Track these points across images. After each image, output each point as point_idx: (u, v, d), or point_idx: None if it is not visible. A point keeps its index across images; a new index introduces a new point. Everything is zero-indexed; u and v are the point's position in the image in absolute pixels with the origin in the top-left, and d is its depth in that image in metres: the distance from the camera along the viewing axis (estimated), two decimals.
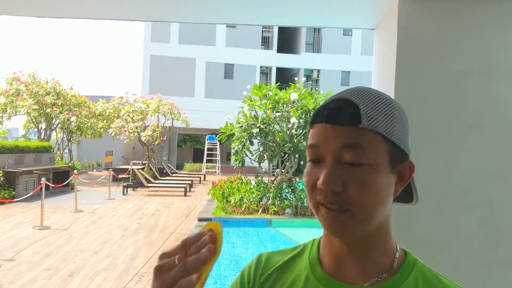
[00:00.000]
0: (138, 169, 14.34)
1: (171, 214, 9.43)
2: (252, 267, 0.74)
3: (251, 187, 10.21)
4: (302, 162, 10.39)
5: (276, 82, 13.40)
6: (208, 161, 23.29)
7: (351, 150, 0.59)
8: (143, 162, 19.32)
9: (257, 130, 9.63)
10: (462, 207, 1.89)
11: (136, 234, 7.14)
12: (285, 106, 9.77)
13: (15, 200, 9.60)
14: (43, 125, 16.34)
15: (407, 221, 1.91)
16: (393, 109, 0.62)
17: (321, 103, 0.65)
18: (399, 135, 0.62)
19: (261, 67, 25.03)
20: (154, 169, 16.48)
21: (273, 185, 10.00)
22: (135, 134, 16.82)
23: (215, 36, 24.31)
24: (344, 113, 0.60)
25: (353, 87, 0.65)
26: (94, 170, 21.41)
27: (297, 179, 10.57)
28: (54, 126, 16.66)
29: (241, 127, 9.85)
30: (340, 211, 0.59)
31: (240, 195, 9.60)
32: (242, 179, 11.00)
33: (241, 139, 9.70)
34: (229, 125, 10.14)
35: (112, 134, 16.77)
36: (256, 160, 10.20)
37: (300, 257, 0.72)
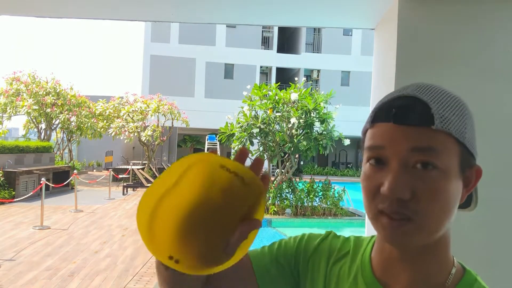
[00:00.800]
0: (138, 169, 14.34)
1: None
2: (320, 240, 0.70)
3: None
4: (302, 162, 10.39)
5: (276, 82, 13.40)
6: None
7: (421, 154, 0.52)
8: (143, 162, 19.32)
9: (257, 130, 9.63)
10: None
11: (136, 234, 7.14)
12: (285, 106, 9.77)
13: (15, 200, 9.60)
14: (43, 125, 16.34)
15: None
16: (464, 109, 0.57)
17: (382, 99, 0.58)
18: (470, 138, 0.56)
19: (261, 67, 25.03)
20: (154, 169, 16.48)
21: (273, 185, 10.00)
22: (135, 134, 16.81)
23: (215, 36, 24.31)
24: (415, 112, 0.53)
25: (417, 82, 0.59)
26: (94, 170, 21.42)
27: (297, 179, 10.57)
28: (54, 126, 16.66)
29: (241, 127, 9.85)
30: (404, 221, 0.52)
31: None
32: None
33: (241, 139, 9.70)
34: (229, 125, 10.14)
35: (112, 134, 16.77)
36: None
37: (357, 252, 0.67)
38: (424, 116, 0.53)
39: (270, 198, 9.69)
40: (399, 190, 0.51)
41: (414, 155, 0.52)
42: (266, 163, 10.79)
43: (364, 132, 0.60)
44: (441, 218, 0.54)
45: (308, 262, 0.68)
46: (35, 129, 16.38)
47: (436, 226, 0.54)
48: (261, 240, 7.97)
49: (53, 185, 10.94)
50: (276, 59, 24.98)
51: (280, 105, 9.78)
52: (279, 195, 9.76)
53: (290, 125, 9.59)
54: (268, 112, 9.70)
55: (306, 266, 0.67)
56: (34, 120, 15.80)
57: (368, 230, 2.37)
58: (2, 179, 10.41)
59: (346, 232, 8.84)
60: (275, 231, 8.56)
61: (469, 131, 0.56)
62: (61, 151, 18.03)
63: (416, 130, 0.53)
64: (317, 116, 9.73)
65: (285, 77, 26.19)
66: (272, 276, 0.66)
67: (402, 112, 0.53)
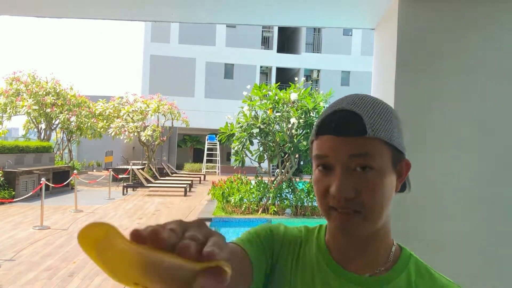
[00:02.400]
0: (138, 169, 14.33)
1: (171, 214, 9.42)
2: (284, 233, 0.78)
3: (251, 187, 10.21)
4: (302, 162, 10.39)
5: (276, 82, 13.40)
6: (208, 161, 23.28)
7: (359, 158, 0.63)
8: (143, 162, 19.31)
9: (257, 130, 9.63)
10: (462, 207, 1.89)
11: None
12: (285, 106, 9.77)
13: (15, 200, 9.59)
14: (43, 125, 16.34)
15: (407, 221, 1.91)
16: (390, 115, 0.67)
17: (323, 114, 0.69)
18: (397, 138, 0.67)
19: (261, 67, 25.03)
20: (154, 169, 16.47)
21: (273, 185, 10.00)
22: (135, 134, 16.81)
23: (215, 36, 24.31)
24: (350, 124, 0.64)
25: (350, 95, 0.69)
26: (94, 170, 21.41)
27: (297, 179, 10.57)
28: (54, 126, 16.66)
29: (241, 127, 9.85)
30: (352, 214, 0.64)
31: (240, 195, 9.60)
32: (242, 179, 11.00)
33: (241, 139, 9.70)
34: (229, 125, 10.14)
35: (112, 134, 16.76)
36: (256, 160, 10.21)
37: (310, 240, 0.77)
38: (359, 127, 0.63)
39: (270, 198, 9.70)
40: (344, 190, 0.62)
41: (354, 160, 0.63)
42: (266, 163, 10.79)
43: (311, 142, 0.70)
44: (382, 207, 0.65)
45: (280, 249, 0.76)
46: (35, 129, 16.38)
47: (379, 214, 0.65)
48: None
49: (53, 185, 10.94)
50: (276, 59, 24.98)
51: (280, 105, 9.78)
52: (279, 195, 9.76)
53: (290, 125, 9.59)
54: (268, 112, 9.70)
55: (278, 253, 0.75)
56: (34, 120, 15.80)
57: None
58: (2, 179, 10.41)
59: None
60: None
61: (396, 132, 0.67)
62: (61, 151, 18.03)
63: (353, 139, 0.63)
64: (316, 116, 9.72)
65: (285, 77, 26.19)
66: (261, 264, 0.71)
67: (340, 125, 0.64)
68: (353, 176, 0.63)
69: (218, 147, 22.36)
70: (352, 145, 0.63)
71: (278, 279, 0.73)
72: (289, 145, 9.67)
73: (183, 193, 13.10)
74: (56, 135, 18.20)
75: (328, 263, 0.72)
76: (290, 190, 10.05)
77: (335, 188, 0.63)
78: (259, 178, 10.23)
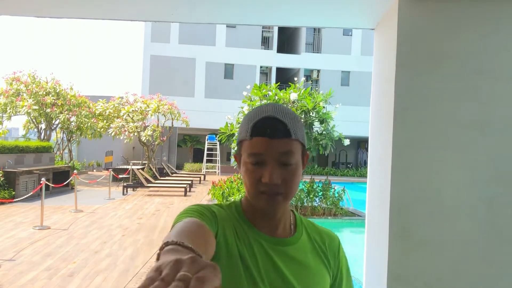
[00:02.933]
0: (138, 169, 14.33)
1: (171, 214, 9.43)
2: (223, 216, 0.93)
3: None
4: None
5: (276, 82, 13.39)
6: (208, 161, 23.28)
7: (285, 155, 0.85)
8: (143, 162, 19.31)
9: None
10: (462, 207, 1.89)
11: (136, 234, 7.14)
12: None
13: (15, 200, 9.60)
14: (43, 125, 16.34)
15: (407, 221, 1.91)
16: (300, 120, 0.90)
17: (252, 119, 0.87)
18: (304, 137, 0.91)
19: (261, 67, 25.03)
20: (154, 169, 16.47)
21: None
22: (135, 134, 16.81)
23: (215, 36, 24.31)
24: (278, 130, 0.84)
25: (269, 105, 0.89)
26: (94, 170, 21.41)
27: None
28: (54, 126, 16.66)
29: None
30: (277, 196, 0.87)
31: (240, 195, 9.60)
32: (242, 179, 11.00)
33: None
34: (229, 125, 10.14)
35: (112, 134, 16.76)
36: None
37: (234, 216, 0.95)
38: (285, 131, 0.85)
39: None
40: (275, 179, 0.85)
41: (282, 156, 0.85)
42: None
43: (240, 142, 0.90)
44: (295, 190, 0.90)
45: (219, 226, 0.89)
46: (35, 129, 16.38)
47: (293, 194, 0.89)
48: None
49: (53, 185, 10.94)
50: (276, 59, 24.98)
51: None
52: None
53: None
54: None
55: (217, 230, 0.88)
56: (34, 120, 15.80)
57: (368, 230, 2.37)
58: (2, 179, 10.41)
59: (347, 232, 8.83)
60: None
61: (304, 133, 0.91)
62: (61, 151, 18.03)
63: (282, 141, 0.85)
64: (316, 116, 9.72)
65: (285, 77, 26.19)
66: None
67: (272, 130, 0.84)
68: (280, 169, 0.85)
69: (218, 147, 22.36)
70: (281, 145, 0.85)
71: (226, 251, 0.87)
72: None
73: (183, 193, 13.10)
74: (56, 135, 18.20)
75: (253, 230, 0.93)
76: None
77: (268, 177, 0.84)
78: None
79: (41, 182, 7.81)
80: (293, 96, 9.58)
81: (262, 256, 0.90)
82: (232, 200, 0.98)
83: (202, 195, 13.04)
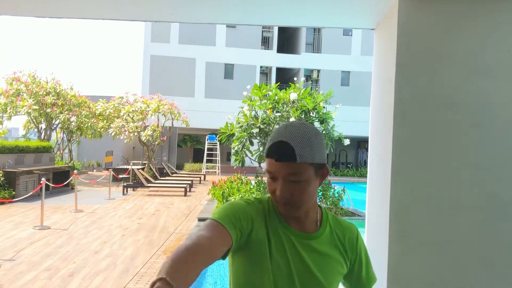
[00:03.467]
0: (138, 169, 14.33)
1: (171, 214, 9.43)
2: (255, 212, 1.09)
3: (251, 187, 10.22)
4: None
5: (276, 82, 13.39)
6: (208, 161, 23.28)
7: (292, 175, 1.01)
8: (143, 162, 19.31)
9: (257, 130, 9.63)
10: (462, 207, 1.89)
11: (136, 234, 7.14)
12: (285, 106, 9.77)
13: (15, 200, 9.59)
14: (43, 125, 16.33)
15: (407, 221, 1.91)
16: (312, 141, 1.02)
17: (270, 141, 1.04)
18: (319, 156, 1.03)
19: (261, 67, 25.02)
20: (154, 169, 16.47)
21: None
22: (135, 134, 16.81)
23: (215, 36, 24.30)
24: (286, 154, 0.99)
25: (290, 126, 1.04)
26: (94, 170, 21.42)
27: None
28: (54, 126, 16.66)
29: (241, 127, 9.85)
30: (289, 206, 1.04)
31: (240, 195, 9.60)
32: (242, 179, 11.01)
33: (241, 139, 9.70)
34: (229, 125, 10.14)
35: (112, 134, 16.76)
36: (256, 160, 10.20)
37: (270, 211, 1.11)
38: (292, 156, 0.99)
39: None
40: (284, 194, 1.02)
41: (290, 176, 1.01)
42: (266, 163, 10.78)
43: (265, 160, 1.06)
44: (306, 202, 1.05)
45: (253, 222, 1.07)
46: (35, 129, 16.38)
47: (305, 205, 1.06)
48: None
49: (53, 185, 10.94)
50: (276, 59, 24.98)
51: (280, 105, 9.78)
52: None
53: None
54: (268, 112, 9.70)
55: (252, 225, 1.06)
56: (34, 120, 15.80)
57: (368, 229, 2.37)
58: (2, 179, 10.41)
59: None
60: None
61: (318, 153, 1.03)
62: (61, 151, 18.03)
63: (288, 164, 1.00)
64: (316, 116, 9.72)
65: (285, 77, 26.18)
66: (237, 232, 1.01)
67: (280, 155, 1.00)
68: (289, 185, 1.02)
69: (218, 147, 22.36)
70: (288, 167, 1.00)
71: (255, 245, 1.05)
72: None
73: (183, 193, 13.10)
74: (56, 135, 18.20)
75: (283, 224, 1.10)
76: None
77: (279, 192, 1.02)
78: (259, 178, 10.23)
79: (41, 182, 7.81)
80: (293, 96, 9.58)
81: (289, 246, 1.08)
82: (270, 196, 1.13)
83: (202, 195, 13.04)
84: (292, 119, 9.37)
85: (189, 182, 14.79)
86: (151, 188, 13.88)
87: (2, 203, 9.82)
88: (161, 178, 16.20)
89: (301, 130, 1.02)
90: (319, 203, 1.21)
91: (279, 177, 1.02)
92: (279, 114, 9.62)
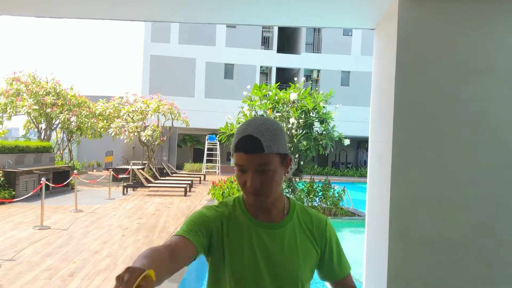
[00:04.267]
0: (138, 169, 14.33)
1: (171, 214, 9.43)
2: (214, 218, 1.18)
3: None
4: (302, 162, 10.38)
5: (276, 82, 13.39)
6: (208, 161, 23.28)
7: (261, 166, 1.09)
8: (143, 162, 19.32)
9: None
10: (462, 207, 1.89)
11: (136, 234, 7.14)
12: (285, 106, 9.77)
13: (15, 200, 9.60)
14: (43, 125, 16.33)
15: (407, 221, 1.91)
16: (276, 133, 1.11)
17: (237, 135, 1.11)
18: (283, 146, 1.12)
19: (261, 67, 25.02)
20: (154, 169, 16.47)
21: None
22: (135, 134, 16.81)
23: (215, 36, 24.30)
24: (254, 147, 1.07)
25: (254, 121, 1.12)
26: (94, 170, 21.41)
27: (297, 179, 10.57)
28: (54, 126, 16.65)
29: None
30: (259, 195, 1.12)
31: (241, 194, 9.59)
32: None
33: None
34: (229, 125, 10.14)
35: (112, 134, 16.76)
36: None
37: (234, 208, 1.22)
38: (259, 148, 1.07)
39: None
40: (254, 185, 1.10)
41: (259, 167, 1.09)
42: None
43: (232, 154, 1.14)
44: (275, 191, 1.14)
45: (212, 226, 1.16)
46: (35, 129, 16.37)
47: (274, 194, 1.14)
48: None
49: (53, 185, 10.94)
50: (276, 59, 24.97)
51: (280, 105, 9.78)
52: None
53: (289, 125, 9.59)
54: (268, 112, 9.70)
55: (211, 229, 1.16)
56: (34, 120, 15.80)
57: (368, 230, 2.37)
58: (2, 179, 10.41)
59: (347, 232, 8.83)
60: None
61: (282, 143, 1.12)
62: (61, 151, 18.03)
63: (256, 155, 1.08)
64: (316, 116, 9.72)
65: (285, 77, 26.18)
66: (201, 240, 1.11)
67: (248, 147, 1.08)
68: (258, 176, 1.09)
69: (218, 147, 22.36)
70: (256, 159, 1.08)
71: (215, 245, 1.15)
72: (289, 145, 9.66)
73: (183, 193, 13.10)
74: (56, 135, 18.20)
75: (250, 219, 1.19)
76: (290, 190, 10.04)
77: (249, 183, 1.10)
78: None
79: (41, 182, 7.81)
80: (293, 96, 9.58)
81: (256, 239, 1.16)
82: (236, 196, 1.29)
83: (202, 195, 13.04)
84: (292, 119, 9.37)
85: (189, 182, 14.79)
86: (151, 188, 13.88)
87: (2, 203, 9.82)
88: (161, 178, 16.20)
89: (265, 124, 1.11)
90: (288, 196, 1.28)
91: (248, 169, 1.09)
92: (279, 114, 9.62)
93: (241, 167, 1.10)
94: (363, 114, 20.92)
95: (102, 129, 17.47)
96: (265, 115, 9.76)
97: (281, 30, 25.89)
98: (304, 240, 1.19)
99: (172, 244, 1.03)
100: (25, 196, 9.46)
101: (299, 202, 1.25)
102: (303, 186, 10.07)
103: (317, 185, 9.99)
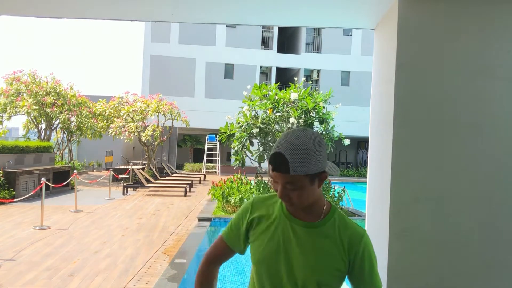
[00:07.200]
0: (138, 169, 14.33)
1: (171, 214, 9.43)
2: (247, 210, 1.37)
3: (251, 187, 10.21)
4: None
5: (276, 82, 13.39)
6: (208, 161, 23.28)
7: (289, 184, 1.16)
8: (143, 162, 19.31)
9: (257, 130, 9.63)
10: (462, 207, 1.89)
11: (136, 234, 7.14)
12: (285, 106, 9.77)
13: (15, 200, 9.59)
14: (43, 125, 16.33)
15: (407, 221, 1.91)
16: (309, 153, 1.14)
17: (272, 149, 1.19)
18: (314, 167, 1.15)
19: (261, 67, 25.01)
20: (154, 169, 16.47)
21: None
22: (135, 134, 16.81)
23: (215, 36, 24.29)
24: (281, 166, 1.14)
25: (289, 137, 1.16)
26: (94, 170, 21.41)
27: None
28: (54, 126, 16.65)
29: (241, 127, 9.85)
30: (288, 204, 1.22)
31: (240, 195, 9.60)
32: (242, 179, 11.00)
33: (241, 139, 9.70)
34: (229, 125, 10.14)
35: (112, 134, 16.75)
36: (256, 160, 10.20)
37: (276, 203, 1.33)
38: (286, 169, 1.14)
39: None
40: (283, 197, 1.20)
41: (286, 184, 1.17)
42: (266, 163, 10.79)
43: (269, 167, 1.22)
44: (306, 201, 1.21)
45: (253, 219, 1.35)
46: (35, 129, 16.37)
47: (305, 203, 1.22)
48: None
49: (53, 185, 10.94)
50: (276, 59, 24.97)
51: (280, 105, 9.78)
52: None
53: (289, 125, 9.59)
54: (268, 112, 9.70)
55: (251, 222, 1.35)
56: (34, 120, 15.79)
57: (368, 230, 2.37)
58: (2, 179, 10.41)
59: None
60: None
61: (314, 163, 1.15)
62: (61, 151, 18.02)
63: (284, 175, 1.15)
64: (316, 116, 9.72)
65: (285, 77, 26.18)
66: (238, 239, 1.38)
67: (276, 165, 1.16)
68: (286, 190, 1.18)
69: (218, 147, 22.36)
70: (283, 177, 1.16)
71: (260, 229, 1.31)
72: None
73: (183, 193, 13.10)
74: (56, 135, 18.19)
75: (285, 214, 1.29)
76: None
77: (279, 194, 1.20)
78: (259, 178, 10.23)
79: (41, 182, 7.81)
80: (293, 96, 9.58)
81: (285, 230, 1.28)
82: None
83: (202, 195, 13.04)
84: (292, 119, 9.37)
85: (189, 182, 14.79)
86: (151, 188, 13.88)
87: (2, 203, 9.82)
88: (161, 178, 16.20)
89: (300, 141, 1.14)
90: (331, 202, 1.33)
91: (279, 182, 1.18)
92: (279, 114, 9.62)
93: (273, 178, 1.20)
94: (363, 114, 20.92)
95: (102, 129, 17.46)
96: (265, 115, 9.77)
97: (281, 30, 25.88)
98: (331, 246, 1.24)
99: (214, 254, 1.40)
100: (25, 196, 9.45)
101: (339, 210, 1.32)
102: None
103: None
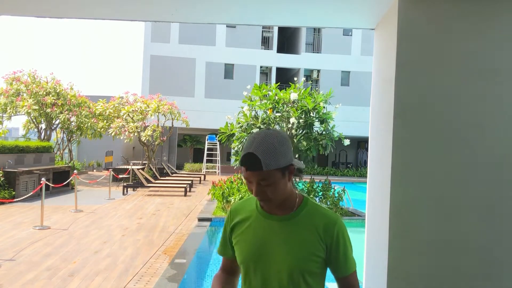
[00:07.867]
0: (138, 169, 14.33)
1: (171, 214, 9.43)
2: (228, 218, 1.45)
3: None
4: (302, 162, 10.37)
5: (276, 82, 13.39)
6: (208, 161, 23.28)
7: (263, 180, 1.23)
8: (143, 162, 19.31)
9: (257, 130, 9.62)
10: (462, 207, 1.89)
11: (136, 234, 7.14)
12: (285, 106, 9.77)
13: (15, 200, 9.59)
14: (43, 125, 16.33)
15: (407, 221, 1.91)
16: (276, 149, 1.22)
17: (242, 153, 1.25)
18: (283, 161, 1.24)
19: (261, 67, 25.01)
20: (154, 169, 16.47)
21: None
22: (135, 134, 16.81)
23: (215, 36, 24.29)
24: (253, 165, 1.21)
25: (257, 137, 1.24)
26: (94, 170, 21.41)
27: (297, 179, 10.54)
28: (54, 126, 16.65)
29: (241, 127, 9.85)
30: (264, 201, 1.29)
31: (240, 195, 9.60)
32: (242, 179, 10.99)
33: (241, 139, 9.70)
34: (229, 125, 10.14)
35: (112, 134, 16.75)
36: None
37: (252, 205, 1.41)
38: (258, 166, 1.21)
39: None
40: (258, 194, 1.27)
41: (260, 181, 1.23)
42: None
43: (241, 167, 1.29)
44: (279, 195, 1.28)
45: (233, 227, 1.43)
46: (35, 129, 16.37)
47: (279, 198, 1.29)
48: None
49: (53, 185, 10.94)
50: (276, 59, 24.97)
51: (280, 105, 9.78)
52: None
53: (289, 125, 9.59)
54: (268, 112, 9.70)
55: (232, 229, 1.43)
56: (34, 120, 15.79)
57: (368, 229, 2.37)
58: (2, 179, 10.41)
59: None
60: None
61: (282, 157, 1.23)
62: (61, 151, 18.02)
63: (257, 172, 1.22)
64: (316, 116, 9.73)
65: (285, 77, 26.18)
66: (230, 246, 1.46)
67: (249, 165, 1.22)
68: (261, 188, 1.24)
69: (218, 147, 22.36)
70: (257, 175, 1.22)
71: (236, 238, 1.39)
72: None
73: (183, 193, 13.10)
74: (56, 135, 18.19)
75: (260, 212, 1.36)
76: None
77: (254, 193, 1.27)
78: None
79: (41, 182, 7.81)
80: (293, 96, 9.58)
81: (262, 227, 1.35)
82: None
83: (202, 195, 13.04)
84: (292, 119, 9.38)
85: (189, 182, 14.79)
86: (151, 188, 13.88)
87: (2, 203, 9.83)
88: (161, 178, 16.19)
89: (266, 140, 1.22)
90: (303, 195, 1.41)
91: (253, 181, 1.25)
92: (279, 114, 9.62)
93: (247, 179, 1.26)
94: (363, 114, 20.92)
95: (102, 129, 17.46)
96: (265, 115, 9.76)
97: (281, 30, 25.88)
98: (308, 234, 1.30)
99: (224, 265, 1.51)
100: (25, 196, 9.45)
101: (310, 199, 1.39)
102: (303, 186, 10.06)
103: (317, 185, 9.99)
